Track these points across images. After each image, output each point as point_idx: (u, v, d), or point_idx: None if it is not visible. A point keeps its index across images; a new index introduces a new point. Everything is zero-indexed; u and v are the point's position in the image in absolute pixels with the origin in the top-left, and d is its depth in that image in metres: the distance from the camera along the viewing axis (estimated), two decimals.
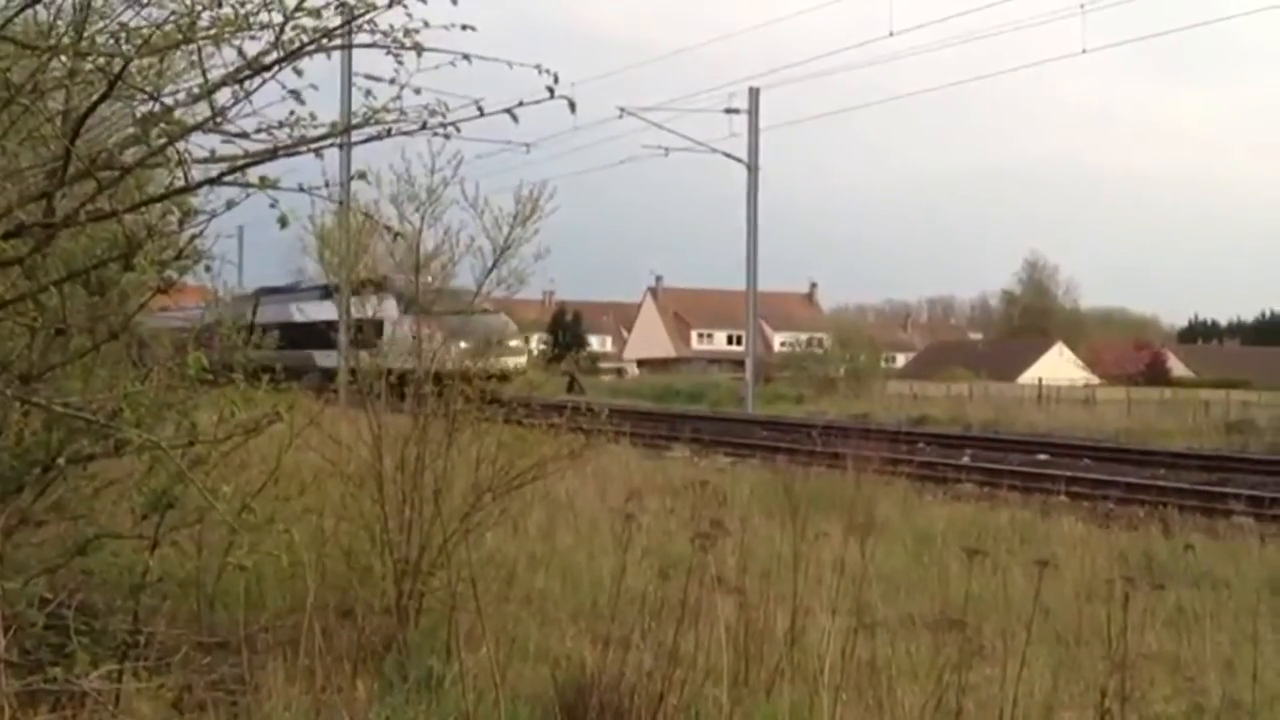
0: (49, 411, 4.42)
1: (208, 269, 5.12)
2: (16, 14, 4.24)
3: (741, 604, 5.28)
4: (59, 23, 4.39)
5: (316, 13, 4.09)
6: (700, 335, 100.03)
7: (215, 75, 4.16)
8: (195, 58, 4.15)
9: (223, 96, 4.17)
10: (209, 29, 4.03)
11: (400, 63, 4.17)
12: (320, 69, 4.24)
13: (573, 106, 4.46)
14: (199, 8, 4.02)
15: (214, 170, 4.23)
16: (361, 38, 4.22)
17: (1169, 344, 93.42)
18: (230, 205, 4.25)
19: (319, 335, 20.49)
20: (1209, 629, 6.77)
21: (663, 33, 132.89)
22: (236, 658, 4.99)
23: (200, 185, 4.19)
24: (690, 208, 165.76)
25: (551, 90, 4.33)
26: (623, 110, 37.78)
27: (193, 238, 4.54)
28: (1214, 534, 11.79)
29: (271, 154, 4.27)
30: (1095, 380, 74.05)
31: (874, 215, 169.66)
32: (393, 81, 4.21)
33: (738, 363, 62.23)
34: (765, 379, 51.35)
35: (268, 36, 4.12)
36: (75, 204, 4.12)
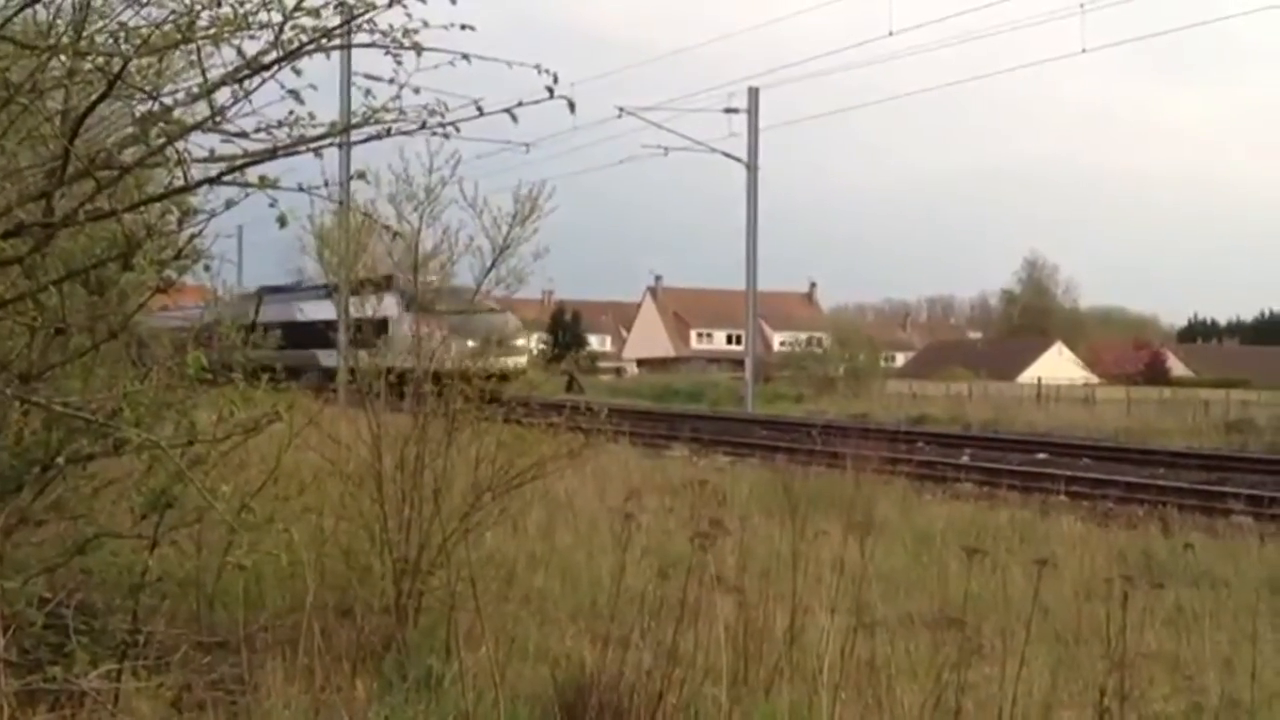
0: (48, 411, 4.42)
1: (207, 269, 5.13)
2: (16, 13, 4.24)
3: (741, 603, 5.28)
4: (58, 22, 4.39)
5: (316, 12, 4.09)
6: (699, 335, 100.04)
7: (214, 75, 4.17)
8: (194, 57, 4.16)
9: (222, 96, 4.18)
10: (208, 28, 4.03)
11: (399, 62, 4.17)
12: (319, 69, 4.24)
13: (572, 106, 4.47)
14: (198, 7, 4.02)
15: (213, 170, 4.23)
16: (361, 37, 4.22)
17: (1168, 343, 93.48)
18: (229, 205, 4.26)
19: (323, 335, 20.49)
20: (1208, 628, 6.77)
21: (662, 33, 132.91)
22: (236, 657, 5.00)
23: (199, 185, 4.19)
24: (690, 207, 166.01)
25: (551, 90, 4.33)
26: (622, 110, 37.82)
27: (192, 237, 4.54)
28: (1213, 533, 11.79)
29: (271, 153, 4.27)
30: (1095, 380, 74.10)
31: (873, 215, 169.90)
32: (392, 81, 4.21)
33: (737, 362, 62.26)
34: (765, 378, 51.37)
35: (267, 36, 4.12)
36: (74, 203, 4.12)
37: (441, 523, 5.74)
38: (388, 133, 4.41)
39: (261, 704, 4.67)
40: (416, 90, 4.24)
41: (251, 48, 4.16)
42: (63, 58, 4.05)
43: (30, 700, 4.32)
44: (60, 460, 4.56)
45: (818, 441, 16.58)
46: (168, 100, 4.36)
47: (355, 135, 4.49)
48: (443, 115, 4.40)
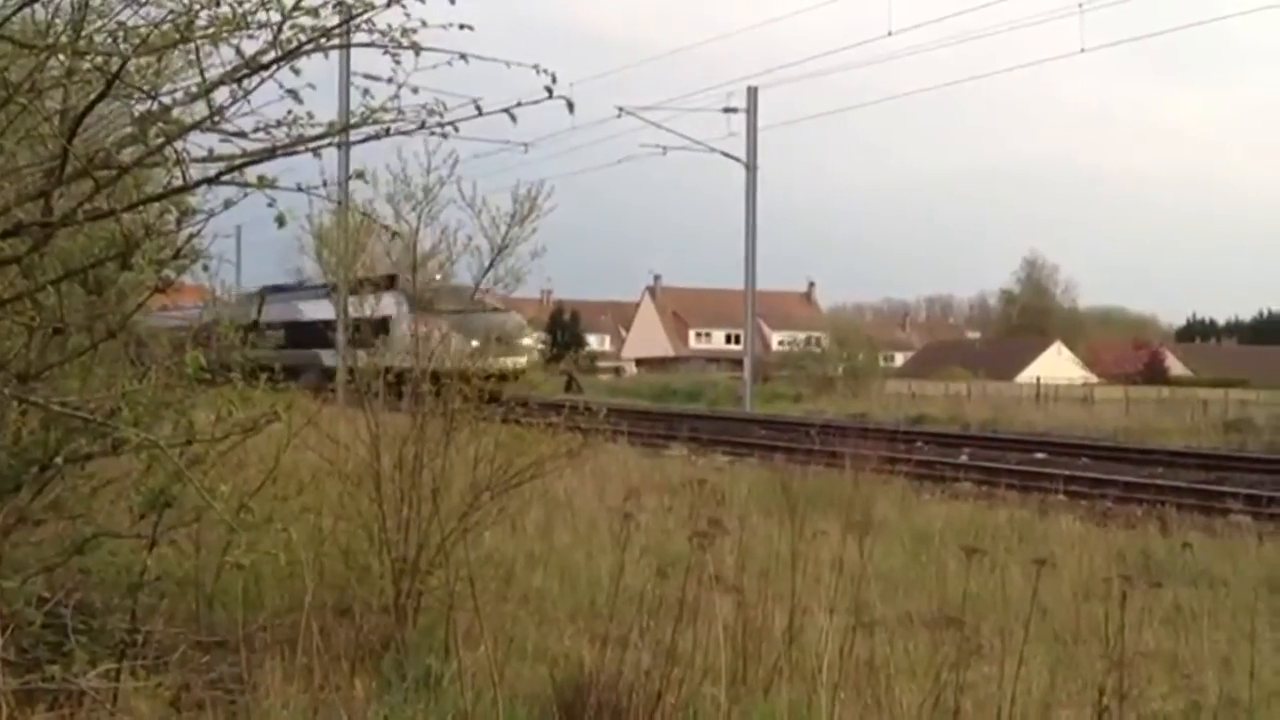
0: (47, 410, 4.42)
1: (205, 268, 5.13)
2: (14, 13, 4.24)
3: (740, 603, 5.28)
4: (57, 21, 4.39)
5: (314, 12, 4.09)
6: (698, 334, 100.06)
7: (213, 74, 4.16)
8: (193, 57, 4.16)
9: (221, 96, 4.18)
10: (207, 28, 4.03)
11: (398, 62, 4.17)
12: (318, 68, 4.24)
13: (571, 106, 4.47)
14: (197, 7, 4.02)
15: (212, 169, 4.23)
16: (359, 37, 4.22)
17: (1167, 343, 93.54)
18: (228, 204, 4.26)
19: (325, 334, 20.49)
20: (1206, 627, 6.77)
21: (661, 32, 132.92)
22: (234, 656, 4.99)
23: (198, 184, 4.19)
24: (688, 207, 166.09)
25: (550, 90, 4.33)
26: (621, 110, 37.83)
27: (190, 237, 4.54)
28: (1212, 532, 11.79)
29: (269, 153, 4.27)
30: (1093, 379, 74.15)
31: (872, 215, 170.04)
32: (390, 81, 4.21)
33: (736, 362, 62.28)
34: (763, 378, 51.38)
35: (266, 36, 4.12)
36: (73, 203, 4.12)
37: (440, 522, 5.74)
38: (386, 132, 4.41)
39: (260, 703, 4.67)
40: (415, 90, 4.24)
41: (250, 47, 4.17)
42: (61, 57, 4.05)
43: (29, 699, 4.32)
44: (59, 460, 4.56)
45: (816, 441, 16.55)
46: (166, 100, 4.37)
47: (354, 135, 4.49)
48: (441, 115, 4.40)
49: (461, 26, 4.17)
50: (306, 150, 4.35)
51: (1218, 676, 5.80)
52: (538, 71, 4.33)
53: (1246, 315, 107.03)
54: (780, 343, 79.72)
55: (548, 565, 7.71)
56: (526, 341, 31.86)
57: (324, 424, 6.14)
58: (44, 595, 4.62)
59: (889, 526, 10.47)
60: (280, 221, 4.17)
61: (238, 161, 4.26)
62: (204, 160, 4.25)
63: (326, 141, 4.38)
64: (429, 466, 5.92)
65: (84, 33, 4.12)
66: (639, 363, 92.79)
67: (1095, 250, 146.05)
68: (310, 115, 4.25)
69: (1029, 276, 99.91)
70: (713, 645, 4.87)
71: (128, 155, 4.29)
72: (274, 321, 34.03)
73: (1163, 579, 7.58)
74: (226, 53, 4.16)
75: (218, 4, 4.04)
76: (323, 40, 4.17)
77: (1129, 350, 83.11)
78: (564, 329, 78.50)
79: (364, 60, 4.31)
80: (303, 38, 4.11)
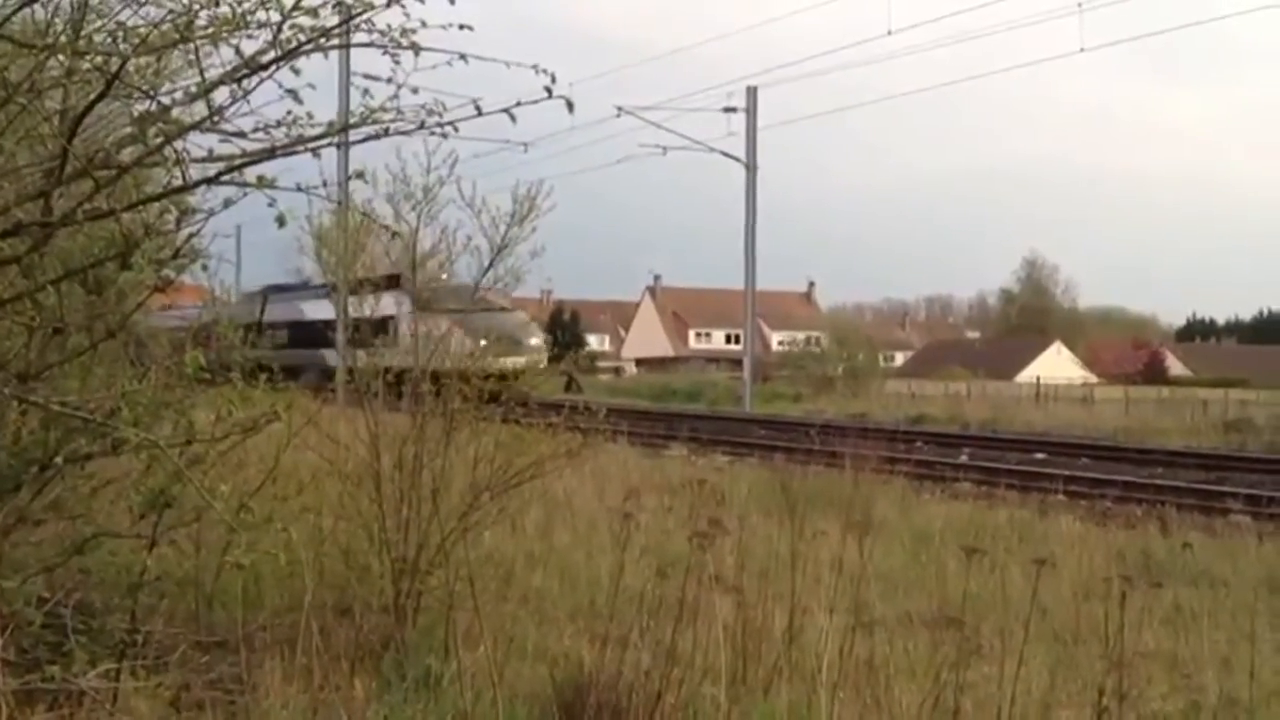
0: (46, 410, 4.42)
1: (205, 268, 5.13)
2: (14, 12, 4.24)
3: (739, 603, 5.28)
4: (56, 21, 4.39)
5: (314, 12, 4.08)
6: (698, 334, 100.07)
7: (213, 74, 4.16)
8: (193, 57, 4.16)
9: (220, 96, 4.18)
10: (206, 28, 4.03)
11: (397, 62, 4.17)
12: (318, 68, 4.24)
13: (570, 106, 4.47)
14: (196, 7, 4.02)
15: (211, 169, 4.22)
16: (359, 37, 4.22)
17: (1167, 343, 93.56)
18: (228, 204, 4.26)
19: (329, 334, 20.48)
20: (1206, 627, 6.77)
21: (660, 32, 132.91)
22: (234, 656, 4.99)
23: (198, 184, 4.19)
24: (688, 207, 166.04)
25: (549, 90, 4.33)
26: (620, 109, 37.82)
27: (190, 237, 4.54)
28: (1211, 532, 11.79)
29: (269, 153, 4.27)
30: (1093, 379, 74.16)
31: (872, 214, 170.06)
32: (390, 81, 4.21)
33: (736, 362, 62.30)
34: (763, 378, 51.38)
35: (265, 36, 4.12)
36: (73, 203, 4.12)
37: (440, 522, 5.74)
38: (386, 132, 4.41)
39: (260, 703, 4.67)
40: (415, 90, 4.23)
41: (250, 47, 4.17)
42: (61, 57, 4.05)
43: (29, 699, 4.31)
44: (58, 460, 4.56)
45: (816, 441, 16.56)
46: (166, 100, 4.36)
47: (353, 135, 4.49)
48: (441, 115, 4.40)
49: (461, 27, 4.17)
50: (306, 150, 4.35)
51: (1217, 676, 5.80)
52: (537, 71, 4.33)
53: (1246, 315, 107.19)
54: (780, 343, 79.75)
55: (547, 565, 7.71)
56: (534, 341, 31.87)
57: (324, 424, 6.15)
58: (44, 595, 4.62)
59: (889, 526, 10.48)
60: (280, 221, 4.17)
61: (237, 161, 4.26)
62: (203, 160, 4.25)
63: (326, 141, 4.38)
64: (429, 466, 5.92)
65: (83, 33, 4.12)
66: (639, 363, 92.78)
67: (1095, 250, 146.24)
68: (310, 115, 4.26)
69: (1029, 276, 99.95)
70: (712, 645, 4.87)
71: (127, 155, 4.29)
72: (278, 321, 34.05)
73: (1162, 579, 7.58)
74: (226, 53, 4.17)
75: (217, 4, 4.04)
76: (322, 40, 4.17)
77: (1129, 350, 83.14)
78: (564, 329, 78.49)
79: (363, 60, 4.32)
80: (302, 38, 4.11)
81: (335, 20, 4.13)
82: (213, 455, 4.64)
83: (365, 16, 4.15)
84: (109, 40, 4.04)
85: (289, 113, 4.21)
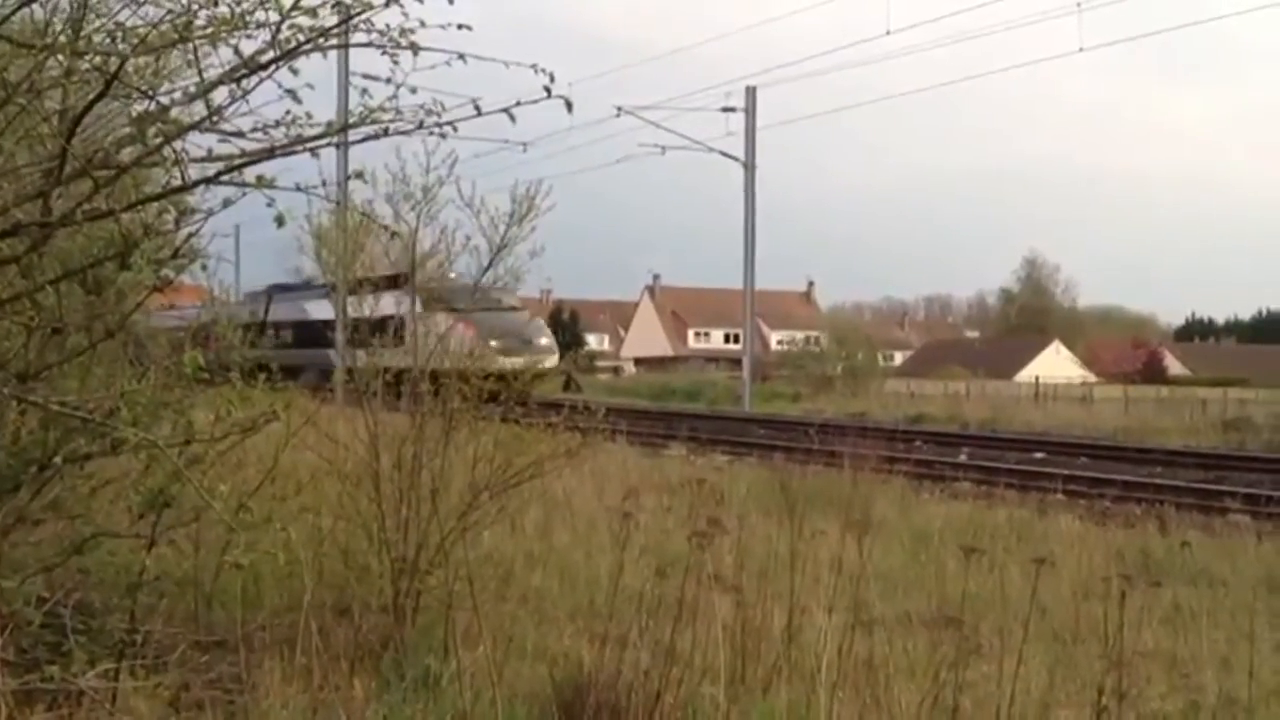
0: (46, 410, 4.42)
1: (204, 268, 5.13)
2: (13, 12, 4.24)
3: (739, 602, 5.28)
4: (55, 21, 4.40)
5: (313, 12, 4.08)
6: (697, 334, 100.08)
7: (212, 74, 4.17)
8: (192, 57, 4.16)
9: (219, 95, 4.18)
10: (205, 28, 4.03)
11: (396, 62, 4.17)
12: (317, 68, 4.24)
13: (569, 106, 4.47)
14: (195, 6, 4.02)
15: (210, 169, 4.22)
16: (358, 37, 4.22)
17: (1166, 342, 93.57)
18: (227, 204, 4.26)
19: (334, 334, 20.40)
20: (1205, 626, 6.78)
21: (660, 32, 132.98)
22: (234, 656, 4.99)
23: (197, 184, 4.18)
24: (687, 207, 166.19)
25: (548, 90, 4.33)
26: (620, 109, 37.82)
27: (189, 236, 4.54)
28: (1211, 532, 11.79)
29: (268, 153, 4.27)
30: (1092, 378, 74.15)
31: (871, 214, 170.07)
32: (389, 81, 4.21)
33: (735, 361, 62.31)
34: (762, 377, 51.38)
35: (264, 35, 4.12)
36: (72, 203, 4.11)
37: (439, 522, 5.74)
38: (385, 132, 4.41)
39: (259, 703, 4.67)
40: (414, 90, 4.23)
41: (249, 47, 4.16)
42: (60, 57, 4.05)
43: (28, 699, 4.32)
44: (58, 460, 4.56)
45: (815, 440, 16.56)
46: (165, 100, 4.36)
47: (352, 135, 4.49)
48: (440, 115, 4.40)
49: (460, 26, 4.17)
50: (305, 150, 4.35)
51: (1216, 676, 5.81)
52: (536, 71, 4.33)
53: (1245, 314, 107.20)
54: (779, 342, 79.79)
55: (547, 565, 7.71)
56: (544, 340, 31.79)
57: (323, 423, 6.15)
58: (43, 595, 4.62)
59: (888, 526, 10.47)
60: (279, 221, 4.17)
61: (236, 161, 4.26)
62: (202, 160, 4.25)
63: (325, 141, 4.38)
64: (428, 466, 5.92)
65: (82, 33, 4.12)
66: (638, 362, 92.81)
67: (1095, 250, 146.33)
68: (309, 115, 4.26)
69: (1029, 276, 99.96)
70: (712, 645, 4.88)
71: (126, 155, 4.29)
72: (283, 321, 33.96)
73: (1161, 578, 7.58)
74: (225, 53, 4.17)
75: (216, 4, 4.04)
76: (321, 40, 4.17)
77: (1128, 349, 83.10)
78: (563, 328, 78.48)
79: (362, 60, 4.32)
80: (301, 38, 4.11)
81: (334, 20, 4.13)
82: (212, 455, 4.64)
83: (364, 16, 4.15)
84: (108, 40, 4.04)
85: (288, 113, 4.22)
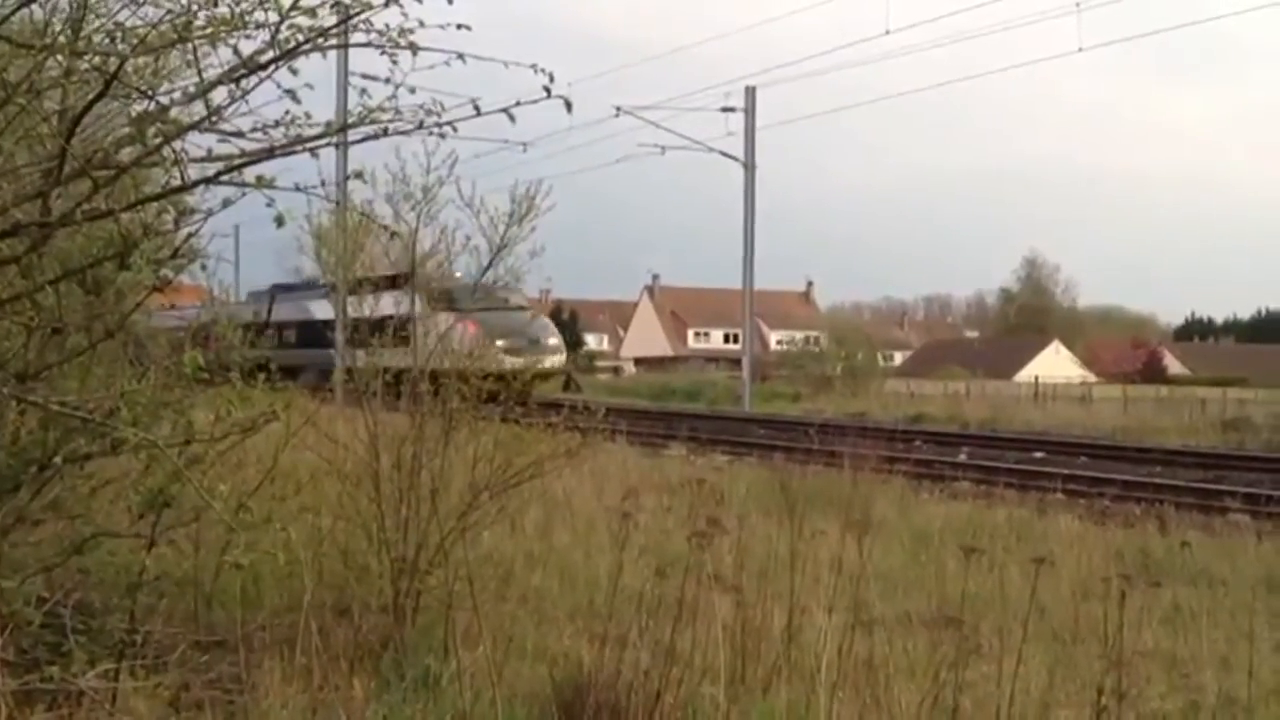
0: (45, 410, 4.42)
1: (204, 268, 5.13)
2: (13, 12, 4.24)
3: (739, 602, 5.28)
4: (55, 21, 4.40)
5: (312, 12, 4.08)
6: (697, 334, 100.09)
7: (211, 74, 4.17)
8: (191, 57, 4.16)
9: (219, 96, 4.18)
10: (205, 28, 4.02)
11: (395, 62, 4.17)
12: (316, 68, 4.24)
13: (569, 106, 4.47)
14: (195, 7, 4.02)
15: (210, 169, 4.22)
16: (357, 37, 4.22)
17: (1165, 342, 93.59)
18: (226, 204, 4.25)
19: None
20: (1205, 626, 6.78)
21: (659, 32, 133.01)
22: (234, 656, 4.99)
23: (196, 184, 4.18)
24: (687, 207, 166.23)
25: (548, 90, 4.33)
26: (619, 109, 37.80)
27: (189, 236, 4.54)
28: (1210, 531, 11.79)
29: (268, 153, 4.27)
30: (1092, 378, 74.18)
31: (871, 214, 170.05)
32: (388, 81, 4.21)
33: (735, 361, 62.31)
34: (762, 377, 51.37)
35: (263, 36, 4.12)
36: (71, 203, 4.11)
37: (439, 522, 5.74)
38: (384, 132, 4.41)
39: (259, 703, 4.67)
40: (413, 90, 4.23)
41: (248, 47, 4.17)
42: (59, 57, 4.05)
43: (28, 700, 4.32)
44: (57, 460, 4.56)
45: (815, 440, 16.56)
46: (164, 100, 4.36)
47: (352, 135, 4.50)
48: (439, 115, 4.40)
49: (459, 26, 4.17)
50: (304, 150, 4.35)
51: (1216, 675, 5.81)
52: (535, 71, 4.33)
53: (1245, 314, 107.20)
54: (779, 342, 79.81)
55: (546, 565, 7.70)
56: (553, 340, 31.73)
57: (323, 423, 6.15)
58: (43, 595, 4.62)
59: (888, 526, 10.47)
60: (279, 222, 4.17)
61: (236, 161, 4.26)
62: (202, 160, 4.24)
63: (324, 141, 4.38)
64: (428, 466, 5.92)
65: (82, 33, 4.12)
66: (637, 362, 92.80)
67: (1094, 250, 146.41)
68: (308, 115, 4.26)
69: (1029, 276, 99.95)
70: (711, 645, 4.88)
71: (126, 155, 4.29)
72: (286, 321, 33.89)
73: (1161, 578, 7.58)
74: (224, 53, 4.17)
75: (215, 4, 4.04)
76: (320, 40, 4.17)
77: (1127, 349, 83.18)
78: (563, 328, 78.43)
79: (362, 60, 4.32)
80: (300, 38, 4.11)
81: (333, 20, 4.13)
82: (211, 455, 4.64)
83: (363, 16, 4.15)
84: (107, 40, 4.04)
85: (287, 113, 4.22)
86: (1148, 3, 31.12)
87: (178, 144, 4.18)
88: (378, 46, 4.15)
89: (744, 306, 42.66)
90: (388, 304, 6.68)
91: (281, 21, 4.08)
